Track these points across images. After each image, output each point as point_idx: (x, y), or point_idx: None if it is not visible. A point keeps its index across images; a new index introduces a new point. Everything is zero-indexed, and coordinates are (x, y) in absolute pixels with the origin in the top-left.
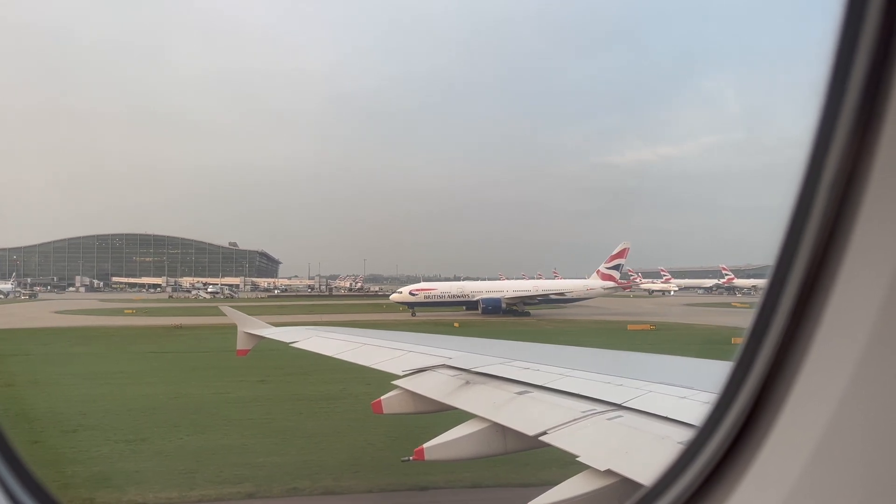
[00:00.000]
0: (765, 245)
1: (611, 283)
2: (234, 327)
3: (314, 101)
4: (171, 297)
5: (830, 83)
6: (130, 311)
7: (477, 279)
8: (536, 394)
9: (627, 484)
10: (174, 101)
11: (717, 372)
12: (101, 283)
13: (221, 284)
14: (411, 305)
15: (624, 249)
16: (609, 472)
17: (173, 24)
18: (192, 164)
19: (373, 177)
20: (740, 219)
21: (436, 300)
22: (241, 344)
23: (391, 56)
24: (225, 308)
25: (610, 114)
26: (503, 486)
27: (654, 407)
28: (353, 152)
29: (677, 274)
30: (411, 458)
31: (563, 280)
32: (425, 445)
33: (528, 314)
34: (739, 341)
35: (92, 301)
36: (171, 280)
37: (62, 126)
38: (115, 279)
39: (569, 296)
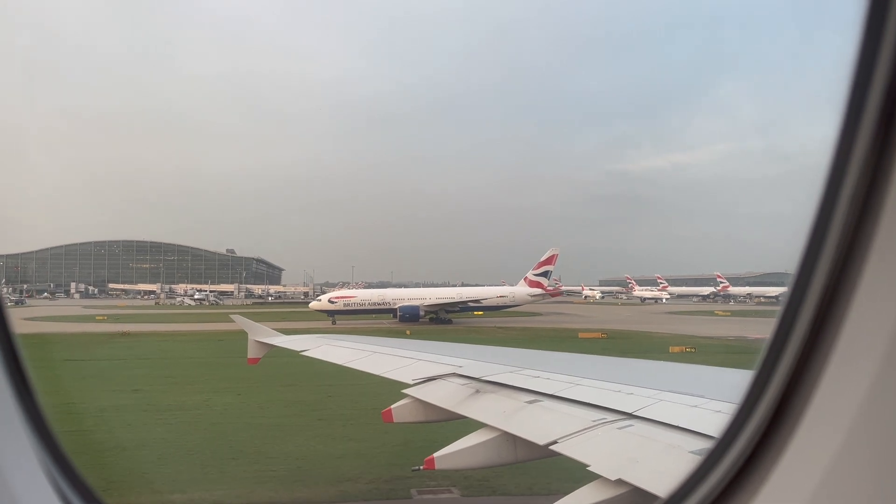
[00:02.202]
0: (771, 253)
1: (538, 291)
2: (182, 335)
3: (320, 106)
4: (157, 303)
5: (852, 89)
6: (101, 318)
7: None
8: (547, 402)
9: (639, 493)
10: (177, 106)
11: (729, 380)
12: (97, 290)
13: (209, 291)
14: (331, 313)
15: (552, 256)
16: (620, 482)
17: (177, 29)
18: (194, 169)
19: (381, 182)
20: (748, 226)
21: (356, 308)
22: (252, 352)
23: (397, 61)
24: (236, 317)
25: (623, 121)
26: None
27: (666, 416)
28: (362, 158)
29: (676, 282)
30: (422, 467)
31: (487, 287)
32: (436, 455)
33: (449, 322)
34: (676, 350)
35: (76, 308)
36: (166, 287)
37: (63, 131)
38: (111, 286)
39: (486, 303)
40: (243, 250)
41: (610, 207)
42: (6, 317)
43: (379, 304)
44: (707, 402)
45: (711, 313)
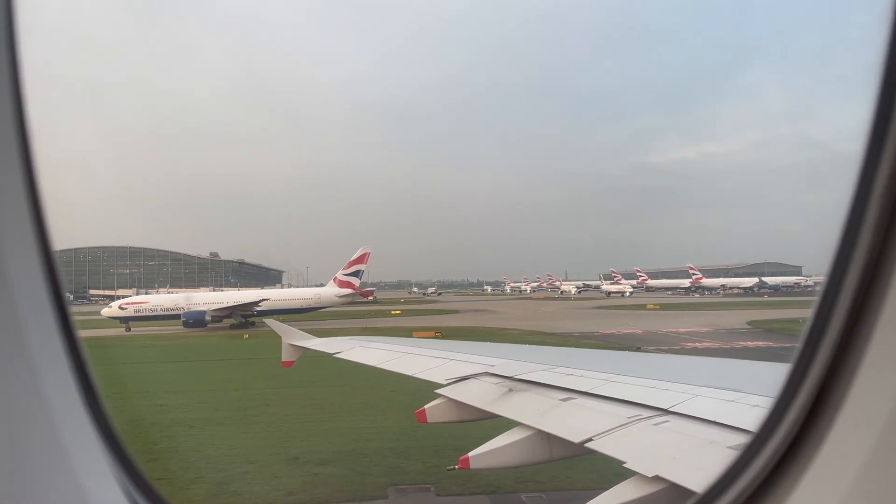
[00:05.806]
0: (799, 242)
1: (347, 291)
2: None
3: (338, 108)
4: None
5: (885, 73)
6: None
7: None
8: (581, 400)
9: (676, 490)
10: (189, 111)
11: (766, 374)
12: (73, 297)
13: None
14: (124, 320)
15: (364, 255)
16: (657, 479)
17: (180, 30)
18: (200, 172)
19: (398, 183)
20: (779, 215)
21: (148, 314)
22: (286, 356)
23: (419, 62)
24: (270, 321)
25: (650, 113)
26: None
27: (702, 411)
28: (380, 160)
29: (660, 274)
30: (457, 466)
31: (291, 289)
32: (471, 454)
33: (251, 325)
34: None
35: None
36: (143, 291)
37: (58, 137)
38: (93, 292)
39: (288, 305)
40: (252, 255)
41: (636, 199)
42: (71, 323)
43: (171, 310)
44: (744, 396)
45: (643, 307)
